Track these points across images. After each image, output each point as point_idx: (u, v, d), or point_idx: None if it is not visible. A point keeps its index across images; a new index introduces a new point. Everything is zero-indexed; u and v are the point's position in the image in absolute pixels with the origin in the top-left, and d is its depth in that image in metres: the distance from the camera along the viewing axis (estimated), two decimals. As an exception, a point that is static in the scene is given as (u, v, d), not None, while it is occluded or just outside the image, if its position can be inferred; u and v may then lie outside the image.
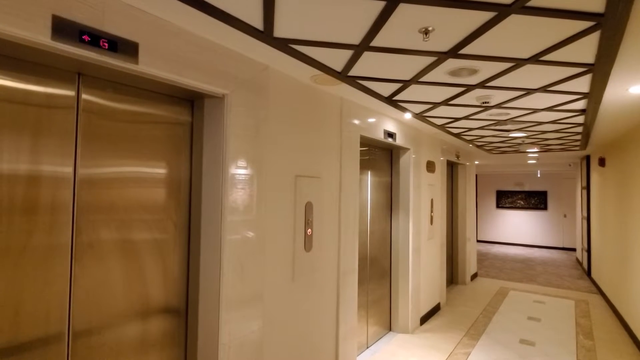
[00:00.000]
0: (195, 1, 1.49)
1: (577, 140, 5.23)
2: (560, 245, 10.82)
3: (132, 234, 1.78)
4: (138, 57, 1.53)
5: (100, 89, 1.66)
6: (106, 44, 1.42)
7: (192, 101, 2.07)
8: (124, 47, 1.48)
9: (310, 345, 2.65)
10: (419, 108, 3.43)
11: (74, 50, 1.33)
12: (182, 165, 2.03)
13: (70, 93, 1.55)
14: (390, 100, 3.16)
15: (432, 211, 4.94)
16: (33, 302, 1.44)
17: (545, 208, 11.05)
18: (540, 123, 3.99)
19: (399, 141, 3.99)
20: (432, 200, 4.94)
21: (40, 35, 1.25)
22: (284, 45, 1.96)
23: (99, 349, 1.65)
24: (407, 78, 2.52)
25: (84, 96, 1.60)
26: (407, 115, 3.72)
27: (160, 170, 1.91)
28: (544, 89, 2.70)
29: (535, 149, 6.32)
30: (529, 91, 2.77)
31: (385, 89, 2.83)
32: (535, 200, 11.18)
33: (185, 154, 2.04)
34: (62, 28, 1.30)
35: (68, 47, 1.32)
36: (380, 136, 3.60)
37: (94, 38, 1.39)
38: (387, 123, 3.76)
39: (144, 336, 1.83)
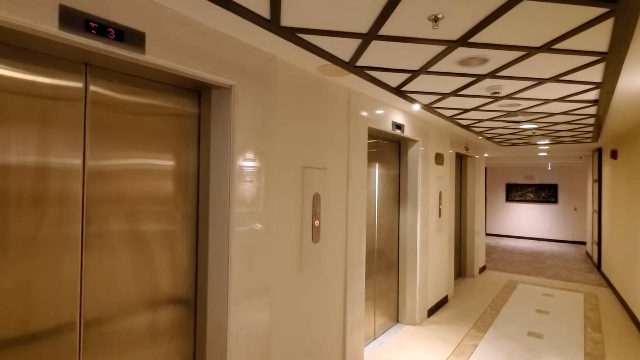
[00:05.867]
0: (202, -10, 1.48)
1: (589, 132, 5.14)
2: (570, 239, 10.69)
3: (140, 225, 1.80)
4: (145, 47, 1.53)
5: (107, 80, 1.66)
6: (113, 34, 1.42)
7: (199, 92, 2.07)
8: (131, 37, 1.48)
9: (318, 336, 2.67)
10: (427, 99, 3.39)
11: (81, 40, 1.34)
12: (190, 156, 2.03)
13: (78, 84, 1.56)
14: (399, 91, 3.12)
15: (440, 204, 4.90)
16: (45, 291, 1.47)
17: (555, 201, 10.91)
18: (551, 114, 3.92)
19: (407, 133, 3.96)
20: (440, 192, 4.90)
21: (48, 25, 1.25)
22: (291, 35, 1.94)
23: (109, 337, 1.68)
24: (416, 68, 2.48)
25: (92, 87, 1.61)
26: (416, 107, 3.68)
27: (168, 162, 1.92)
28: (556, 79, 2.64)
29: (546, 141, 6.22)
30: (540, 81, 2.71)
31: (394, 80, 2.79)
32: (546, 194, 11.04)
33: (193, 145, 2.05)
34: (69, 17, 1.30)
35: (75, 36, 1.32)
36: (388, 128, 3.57)
37: (100, 27, 1.39)
38: (395, 114, 3.72)
39: (153, 325, 1.85)
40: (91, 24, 1.36)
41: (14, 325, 1.39)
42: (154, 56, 1.56)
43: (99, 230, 1.64)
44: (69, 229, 1.53)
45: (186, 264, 2.02)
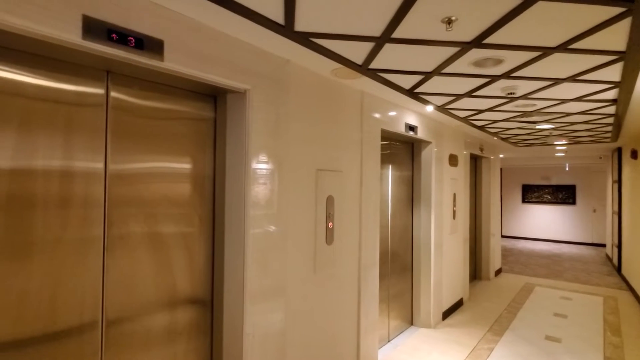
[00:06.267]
0: (218, -2, 1.51)
1: (608, 132, 5.02)
2: (590, 241, 10.44)
3: (159, 227, 1.84)
4: (163, 54, 1.57)
5: (128, 87, 1.71)
6: (133, 42, 1.47)
7: (215, 97, 2.11)
8: (150, 45, 1.53)
9: (332, 337, 2.68)
10: (441, 100, 3.37)
11: (103, 48, 1.39)
12: (206, 160, 2.07)
13: (100, 91, 1.61)
14: (412, 93, 3.12)
15: (454, 205, 4.86)
16: (70, 291, 1.52)
17: (573, 202, 10.67)
18: (568, 114, 3.84)
19: (421, 134, 3.94)
20: (454, 194, 4.86)
21: (72, 35, 1.30)
22: (305, 39, 1.96)
23: (130, 336, 1.72)
24: (429, 70, 2.48)
25: (113, 94, 1.66)
26: (429, 108, 3.66)
27: (186, 165, 1.97)
28: (573, 79, 2.60)
29: (564, 141, 6.10)
30: (556, 81, 2.67)
31: (407, 82, 2.79)
32: (563, 195, 10.80)
33: (209, 149, 2.09)
34: (92, 27, 1.35)
35: (98, 45, 1.37)
36: (401, 129, 3.57)
37: (121, 36, 1.43)
38: (409, 116, 3.71)
39: (172, 325, 1.90)
40: (112, 33, 1.41)
41: (41, 324, 1.44)
42: (172, 63, 1.61)
43: (120, 232, 1.69)
44: (92, 231, 1.58)
45: (203, 265, 2.06)
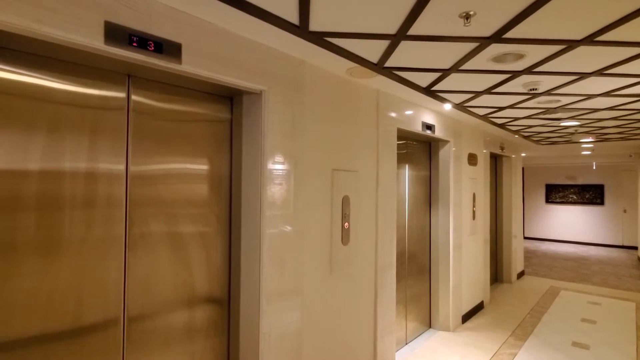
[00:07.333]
0: (235, 0, 1.53)
1: (638, 129, 4.80)
2: (619, 244, 10.00)
3: (178, 227, 1.88)
4: (181, 58, 1.60)
5: (147, 90, 1.75)
6: (152, 46, 1.50)
7: (231, 98, 2.14)
8: (169, 49, 1.56)
9: (349, 339, 2.66)
10: (459, 98, 3.31)
11: (124, 53, 1.42)
12: (223, 160, 2.10)
13: (122, 94, 1.66)
14: (429, 91, 3.07)
15: (474, 206, 4.75)
16: (93, 288, 1.57)
17: (601, 203, 10.25)
18: (595, 110, 3.70)
19: (438, 133, 3.88)
20: (474, 194, 4.75)
21: (95, 41, 1.34)
22: (320, 39, 1.96)
23: (150, 333, 1.76)
24: (447, 67, 2.43)
25: (134, 97, 1.70)
26: (447, 106, 3.60)
27: (203, 166, 2.00)
28: (600, 73, 2.50)
29: (590, 139, 5.87)
30: (582, 75, 2.57)
31: (424, 79, 2.75)
32: (591, 195, 10.40)
33: (226, 149, 2.11)
34: (114, 33, 1.39)
35: (119, 50, 1.41)
36: (418, 128, 3.52)
37: (141, 41, 1.47)
38: (426, 115, 3.66)
39: (190, 323, 1.93)
40: (133, 37, 1.45)
41: (68, 319, 1.49)
42: (189, 65, 1.64)
43: (141, 231, 1.73)
44: (114, 230, 1.63)
45: (220, 264, 2.08)
